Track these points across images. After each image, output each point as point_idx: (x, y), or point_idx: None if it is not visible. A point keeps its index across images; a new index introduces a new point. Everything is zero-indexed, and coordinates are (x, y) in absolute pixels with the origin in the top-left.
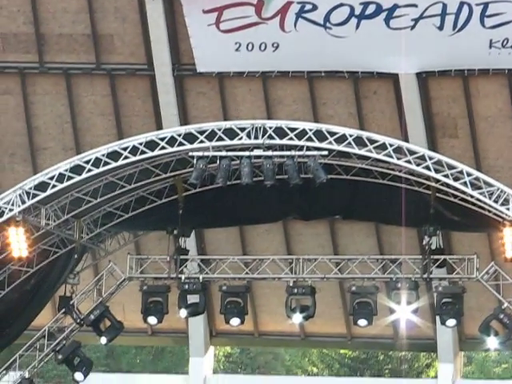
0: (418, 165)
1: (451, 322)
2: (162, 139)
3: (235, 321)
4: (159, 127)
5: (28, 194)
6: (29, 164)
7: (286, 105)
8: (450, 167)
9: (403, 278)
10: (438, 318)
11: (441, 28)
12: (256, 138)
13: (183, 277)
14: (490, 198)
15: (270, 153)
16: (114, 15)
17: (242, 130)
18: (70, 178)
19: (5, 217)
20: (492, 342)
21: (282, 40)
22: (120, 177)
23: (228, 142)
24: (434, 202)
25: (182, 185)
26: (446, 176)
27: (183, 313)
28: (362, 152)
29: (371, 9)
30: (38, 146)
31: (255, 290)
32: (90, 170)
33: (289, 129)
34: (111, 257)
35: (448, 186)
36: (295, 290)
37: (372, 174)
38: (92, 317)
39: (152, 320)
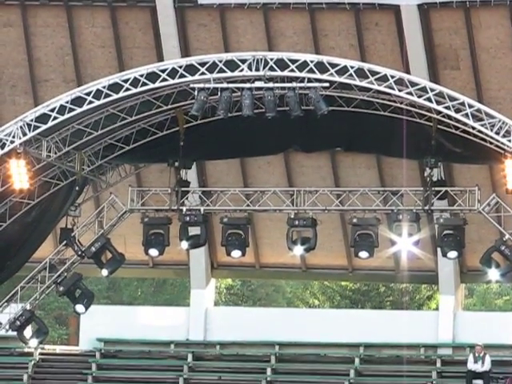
0: (420, 96)
1: (452, 253)
2: (163, 71)
3: (236, 253)
4: (160, 59)
5: (29, 126)
6: (30, 96)
7: (287, 37)
8: (452, 99)
9: (404, 210)
10: (439, 249)
11: None
12: (257, 69)
13: (184, 209)
14: (491, 130)
15: (271, 84)
16: None
17: (243, 61)
18: (71, 109)
19: (6, 149)
20: (493, 274)
21: None
22: (121, 109)
23: (229, 73)
24: (435, 133)
25: (183, 117)
26: (448, 108)
27: (184, 245)
28: (364, 84)
29: None
30: (39, 78)
31: (256, 222)
32: (91, 102)
33: (290, 60)
34: (112, 189)
35: (449, 117)
36: (296, 222)
37: (373, 105)
38: (93, 249)
39: (153, 252)
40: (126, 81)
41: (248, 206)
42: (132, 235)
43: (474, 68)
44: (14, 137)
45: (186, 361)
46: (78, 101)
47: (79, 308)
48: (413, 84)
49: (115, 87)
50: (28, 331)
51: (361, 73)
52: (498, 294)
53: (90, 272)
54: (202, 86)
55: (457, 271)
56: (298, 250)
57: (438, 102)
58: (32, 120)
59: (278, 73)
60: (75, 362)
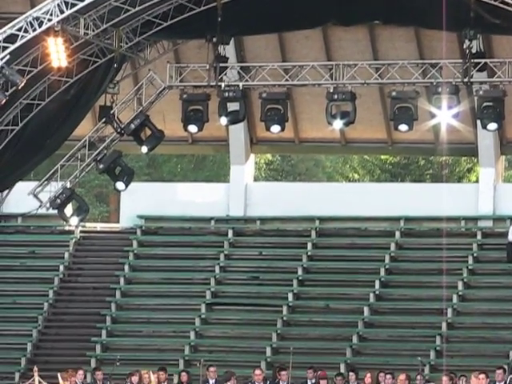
0: None
1: (492, 125)
2: None
3: (276, 128)
4: None
5: (66, 3)
6: None
7: None
8: None
9: (443, 83)
10: (478, 122)
11: None
12: None
13: (223, 84)
14: None
15: None
16: None
17: None
18: None
19: (43, 27)
20: None
21: None
22: None
23: None
24: (474, 4)
25: None
26: None
27: (223, 121)
28: None
29: None
30: None
31: (295, 96)
32: None
33: None
34: (151, 66)
35: None
36: (335, 96)
37: None
38: (132, 126)
39: (192, 128)
40: None
41: (287, 80)
42: (171, 112)
43: None
44: (51, 15)
45: (226, 237)
46: None
47: (119, 185)
48: None
49: None
50: (69, 209)
51: None
52: None
53: (130, 149)
54: None
55: (496, 143)
56: (338, 124)
57: None
58: None
59: None
60: (116, 239)
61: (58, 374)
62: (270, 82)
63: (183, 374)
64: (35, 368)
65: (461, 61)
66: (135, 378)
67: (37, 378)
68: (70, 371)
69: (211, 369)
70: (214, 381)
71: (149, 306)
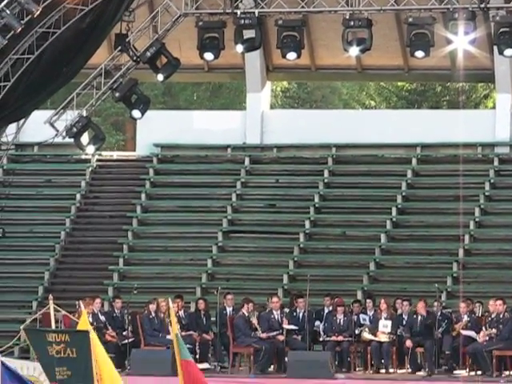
0: None
1: (509, 51)
2: None
3: (292, 55)
4: None
5: None
6: None
7: None
8: None
9: (460, 8)
10: (495, 47)
11: None
12: None
13: (239, 12)
14: None
15: None
16: None
17: None
18: None
19: None
20: None
21: None
22: None
23: None
24: None
25: None
26: None
27: (239, 48)
28: None
29: None
30: None
31: (311, 23)
32: None
33: None
34: None
35: None
36: (351, 23)
37: None
38: (148, 54)
39: (208, 56)
40: None
41: (303, 7)
42: (187, 40)
43: None
44: None
45: (242, 164)
46: None
47: (135, 113)
48: None
49: None
50: (85, 138)
51: None
52: None
53: (146, 77)
54: None
55: None
56: (354, 50)
57: None
58: None
59: None
60: (132, 167)
61: (80, 302)
62: (286, 9)
63: (200, 301)
64: (50, 296)
65: None
66: (153, 307)
67: (52, 307)
68: (87, 300)
69: (228, 296)
70: (231, 308)
71: (166, 234)
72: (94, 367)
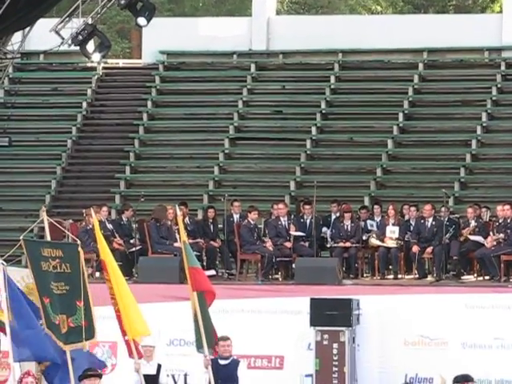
0: None
1: None
2: None
3: None
4: None
5: None
6: None
7: None
8: None
9: None
10: None
11: None
12: None
13: None
14: None
15: None
16: None
17: None
18: None
19: None
20: None
21: None
22: None
23: None
24: None
25: None
26: None
27: None
28: None
29: None
30: None
31: None
32: None
33: None
34: None
35: None
36: None
37: None
38: None
39: None
40: None
41: None
42: None
43: None
44: None
45: (249, 71)
46: None
47: (141, 21)
48: None
49: None
50: (90, 45)
51: None
52: None
53: None
54: None
55: None
56: None
57: None
58: None
59: None
60: (138, 75)
61: (91, 209)
62: None
63: (210, 210)
64: (43, 208)
65: None
66: (172, 212)
67: (45, 218)
68: (94, 208)
69: (235, 203)
70: (238, 215)
71: (172, 141)
72: (86, 282)
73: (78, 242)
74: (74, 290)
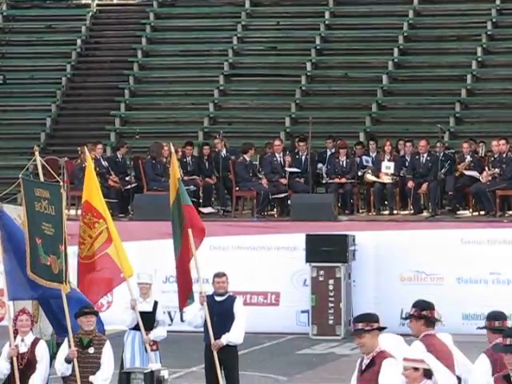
0: None
1: None
2: None
3: None
4: None
5: None
6: None
7: None
8: None
9: None
10: None
11: None
12: None
13: None
14: None
15: None
16: None
17: None
18: None
19: None
20: None
21: None
22: None
23: None
24: None
25: None
26: None
27: None
28: None
29: None
30: None
31: None
32: None
33: None
34: None
35: None
36: None
37: None
38: None
39: None
40: None
41: None
42: None
43: None
44: None
45: (243, 7)
46: None
47: None
48: None
49: None
50: None
51: None
52: None
53: None
54: None
55: None
56: None
57: None
58: None
59: None
60: (133, 12)
61: (85, 147)
62: None
63: (206, 147)
64: (35, 147)
65: None
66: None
67: (38, 158)
68: (89, 145)
69: (216, 140)
70: (224, 151)
71: (167, 78)
72: (64, 226)
73: (61, 182)
74: (57, 233)
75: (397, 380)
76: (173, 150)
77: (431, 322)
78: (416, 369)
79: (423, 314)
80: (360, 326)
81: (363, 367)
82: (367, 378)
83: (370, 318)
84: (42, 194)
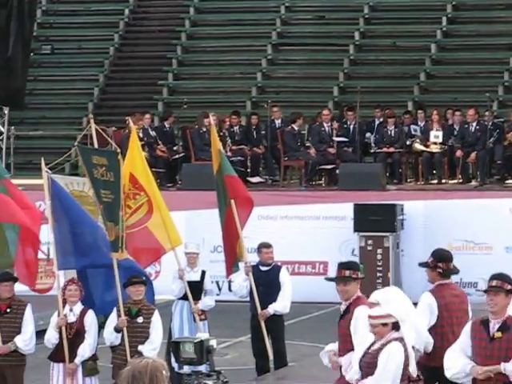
0: None
1: None
2: None
3: None
4: None
5: None
6: None
7: None
8: None
9: None
10: None
11: None
12: None
13: None
14: None
15: None
16: None
17: None
18: None
19: None
20: None
21: None
22: None
23: None
24: None
25: None
26: None
27: None
28: None
29: None
30: None
31: None
32: None
33: None
34: None
35: None
36: None
37: None
38: None
39: None
40: None
41: None
42: None
43: None
44: None
45: None
46: None
47: None
48: None
49: None
50: None
51: None
52: None
53: None
54: None
55: None
56: None
57: None
58: None
59: None
60: None
61: (129, 118)
62: None
63: (254, 117)
64: (90, 115)
65: None
66: (207, 120)
67: (93, 126)
68: (137, 115)
69: (274, 109)
70: (279, 121)
71: (215, 47)
72: (122, 192)
73: (118, 150)
74: (117, 200)
75: (366, 329)
76: (212, 121)
77: (446, 273)
78: (385, 324)
79: (438, 265)
80: (347, 273)
81: (341, 313)
82: (344, 325)
83: (356, 267)
84: (98, 162)
